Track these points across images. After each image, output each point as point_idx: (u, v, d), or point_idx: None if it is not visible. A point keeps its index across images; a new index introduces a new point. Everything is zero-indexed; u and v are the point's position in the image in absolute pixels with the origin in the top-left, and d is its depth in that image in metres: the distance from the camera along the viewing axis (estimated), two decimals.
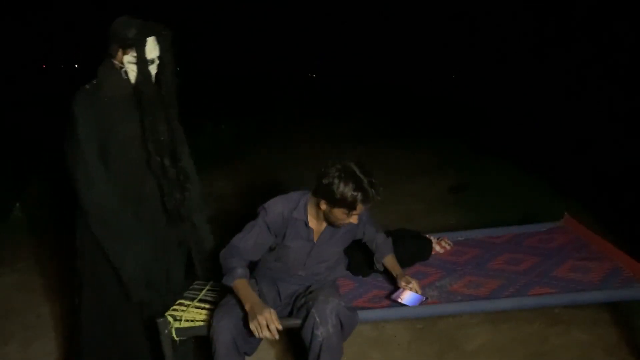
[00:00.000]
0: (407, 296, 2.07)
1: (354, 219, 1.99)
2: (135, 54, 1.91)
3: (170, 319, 2.02)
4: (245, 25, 18.98)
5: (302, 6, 18.40)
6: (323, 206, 1.98)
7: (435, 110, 10.68)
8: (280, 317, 2.08)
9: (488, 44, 12.86)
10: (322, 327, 1.82)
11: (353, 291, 2.28)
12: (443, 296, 2.16)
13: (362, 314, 1.98)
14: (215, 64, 18.74)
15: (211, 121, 8.96)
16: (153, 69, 1.97)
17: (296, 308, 2.05)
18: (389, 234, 2.61)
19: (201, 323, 2.02)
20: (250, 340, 1.95)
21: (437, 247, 2.64)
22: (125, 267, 1.98)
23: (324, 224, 2.10)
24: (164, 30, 1.97)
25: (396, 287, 2.17)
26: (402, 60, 17.50)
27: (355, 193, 1.90)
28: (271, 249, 2.13)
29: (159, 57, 1.97)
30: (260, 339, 2.02)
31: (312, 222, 2.08)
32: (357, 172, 1.92)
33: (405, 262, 2.48)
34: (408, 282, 2.12)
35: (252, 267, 2.18)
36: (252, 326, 1.80)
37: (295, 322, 1.98)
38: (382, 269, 2.31)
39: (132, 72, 1.95)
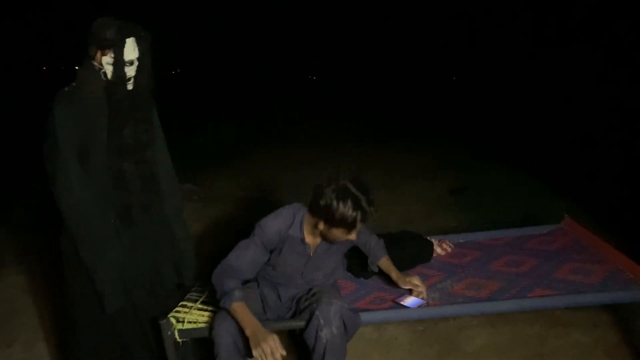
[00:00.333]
0: (409, 299, 2.11)
1: (352, 236, 1.96)
2: (113, 55, 1.89)
3: (172, 320, 2.04)
4: (246, 26, 18.99)
5: (302, 7, 18.41)
6: (321, 226, 1.95)
7: (436, 111, 10.69)
8: (283, 320, 2.11)
9: (488, 44, 12.86)
10: (327, 328, 1.83)
11: (355, 293, 2.30)
12: (444, 298, 2.17)
13: (364, 316, 2.00)
14: (215, 64, 18.74)
15: (212, 122, 8.97)
16: (132, 71, 1.94)
17: (299, 310, 2.06)
18: (390, 235, 2.63)
19: (203, 325, 2.03)
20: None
21: (438, 249, 2.66)
22: (98, 276, 1.94)
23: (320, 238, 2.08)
24: (143, 32, 1.94)
25: (399, 291, 2.18)
26: (402, 61, 17.50)
27: (355, 213, 1.87)
28: (267, 262, 2.11)
29: (138, 59, 1.95)
30: None
31: (309, 238, 2.05)
32: (354, 190, 1.88)
33: (406, 264, 2.49)
34: (413, 284, 2.14)
35: None
36: (255, 353, 1.79)
37: (298, 324, 1.99)
38: (376, 270, 2.31)
39: (110, 73, 1.92)
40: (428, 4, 15.97)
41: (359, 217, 1.87)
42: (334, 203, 1.86)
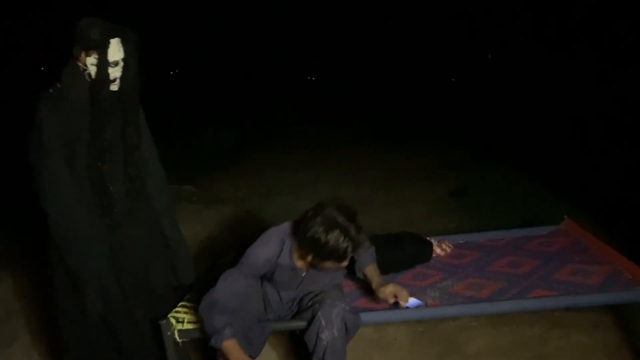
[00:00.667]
0: (409, 299, 2.09)
1: (344, 264, 1.90)
2: (97, 56, 1.87)
3: (173, 320, 2.04)
4: (245, 27, 18.98)
5: (301, 7, 18.41)
6: (310, 259, 1.88)
7: (436, 112, 10.69)
8: (284, 320, 2.10)
9: (488, 44, 12.87)
10: (328, 330, 1.83)
11: (355, 291, 2.30)
12: (444, 297, 2.18)
13: (364, 316, 2.00)
14: (215, 64, 18.74)
15: (211, 123, 8.97)
16: (117, 72, 1.92)
17: (300, 310, 2.05)
18: (390, 236, 2.63)
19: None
20: (254, 343, 1.96)
21: (437, 250, 2.66)
22: (81, 281, 1.93)
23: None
24: (129, 32, 1.93)
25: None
26: (402, 62, 17.50)
27: (345, 244, 1.80)
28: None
29: (123, 60, 1.92)
30: (264, 341, 2.03)
31: (299, 262, 1.97)
32: (341, 220, 1.80)
33: (406, 264, 2.51)
34: (391, 294, 2.00)
35: None
36: None
37: (299, 324, 2.00)
38: (362, 277, 2.19)
39: (95, 74, 1.90)
40: (428, 4, 15.97)
41: (349, 249, 1.81)
42: (323, 236, 1.78)
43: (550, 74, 8.99)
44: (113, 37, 1.87)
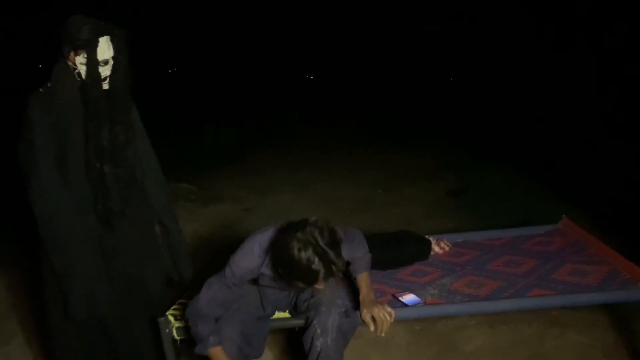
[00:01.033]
0: (408, 296, 2.13)
1: (319, 288, 1.80)
2: (86, 55, 1.84)
3: (171, 318, 2.04)
4: (245, 25, 18.97)
5: (301, 7, 18.40)
6: (283, 276, 1.78)
7: (435, 112, 10.69)
8: (283, 319, 2.10)
9: (488, 44, 12.85)
10: (322, 338, 1.82)
11: (354, 284, 2.28)
12: (443, 295, 2.18)
13: None
14: (215, 64, 18.74)
15: (211, 123, 8.97)
16: (107, 70, 1.89)
17: (299, 307, 2.03)
18: (388, 234, 2.63)
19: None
20: (253, 344, 1.95)
21: (436, 248, 2.66)
22: (66, 285, 1.92)
23: None
24: (118, 30, 1.90)
25: (398, 285, 2.17)
26: (401, 62, 17.49)
27: (317, 268, 1.67)
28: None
29: (113, 58, 1.89)
30: (264, 340, 2.03)
31: None
32: (320, 242, 1.67)
33: (404, 261, 2.52)
34: (369, 317, 1.88)
35: None
36: None
37: (296, 322, 2.00)
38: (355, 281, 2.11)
39: (85, 73, 1.87)
40: (428, 3, 15.96)
41: (321, 275, 1.68)
42: (295, 254, 1.66)
43: (550, 74, 8.98)
44: (102, 36, 1.84)
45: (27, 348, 2.75)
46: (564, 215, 2.89)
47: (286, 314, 2.12)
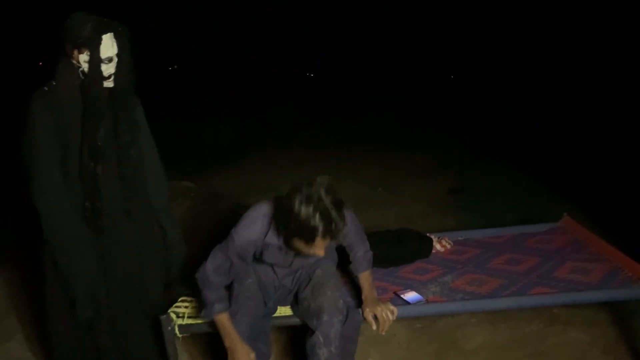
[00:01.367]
0: (410, 294, 2.14)
1: (317, 252, 1.75)
2: (89, 53, 1.81)
3: (173, 315, 2.04)
4: (245, 23, 18.97)
5: (301, 6, 18.41)
6: (282, 232, 1.80)
7: (435, 111, 10.69)
8: (284, 315, 2.10)
9: (487, 44, 12.86)
10: (325, 347, 1.82)
11: (353, 281, 2.28)
12: (445, 292, 2.19)
13: None
14: (215, 62, 18.74)
15: (211, 123, 8.96)
16: (112, 68, 1.86)
17: (300, 302, 2.02)
18: (389, 233, 2.64)
19: (203, 319, 2.03)
20: (260, 345, 1.95)
21: (437, 246, 2.67)
22: (70, 284, 1.92)
23: None
24: (120, 27, 1.87)
25: (400, 283, 2.17)
26: (401, 61, 17.50)
27: (315, 224, 1.64)
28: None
29: (117, 55, 1.86)
30: (269, 340, 2.03)
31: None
32: (325, 200, 1.65)
33: (405, 259, 2.52)
34: (371, 316, 1.93)
35: None
36: None
37: (296, 321, 2.00)
38: (356, 280, 2.14)
39: (87, 71, 1.85)
40: (428, 3, 15.96)
41: (319, 230, 1.65)
42: (296, 207, 1.65)
43: (550, 73, 8.99)
44: (105, 33, 1.82)
45: (27, 345, 2.75)
46: (565, 214, 2.89)
47: (288, 310, 2.12)
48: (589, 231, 2.65)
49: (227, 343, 1.86)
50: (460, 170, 5.92)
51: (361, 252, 2.12)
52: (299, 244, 1.74)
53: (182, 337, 2.06)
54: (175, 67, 19.56)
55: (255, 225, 1.88)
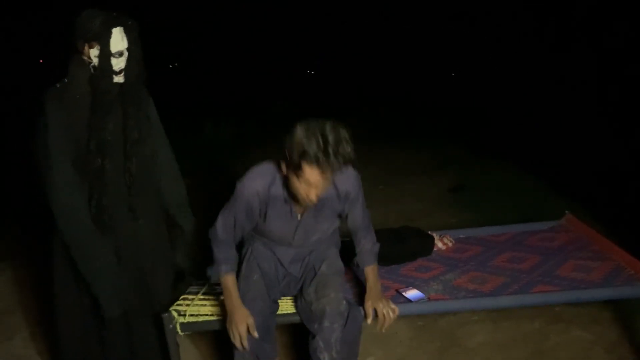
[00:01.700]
0: (412, 292, 2.13)
1: (310, 193, 1.72)
2: (100, 47, 1.81)
3: (174, 313, 2.03)
4: (245, 21, 18.98)
5: (301, 6, 18.41)
6: (284, 169, 1.76)
7: (436, 111, 10.69)
8: (287, 315, 2.07)
9: (488, 44, 12.86)
10: (327, 352, 1.81)
11: (357, 278, 2.28)
12: (447, 290, 2.18)
13: None
14: (215, 63, 18.74)
15: (212, 121, 8.95)
16: (122, 62, 1.86)
17: (304, 300, 1.99)
18: (391, 230, 2.63)
19: (205, 318, 2.03)
20: (266, 347, 1.92)
21: (439, 244, 2.66)
22: (94, 281, 1.90)
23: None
24: (130, 21, 1.87)
25: (402, 280, 2.17)
26: (402, 60, 17.50)
27: (306, 147, 1.62)
28: (255, 230, 2.04)
29: (127, 49, 1.86)
30: (274, 340, 2.02)
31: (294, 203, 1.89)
32: (326, 130, 1.64)
33: (407, 257, 2.52)
34: (372, 309, 1.90)
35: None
36: (227, 327, 1.85)
37: (297, 318, 2.00)
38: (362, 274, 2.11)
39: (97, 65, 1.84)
40: (428, 3, 15.98)
41: (310, 153, 1.61)
42: (297, 130, 1.65)
43: (550, 73, 8.99)
44: (114, 27, 1.82)
45: (30, 343, 2.75)
46: (567, 211, 2.88)
47: (290, 307, 2.10)
48: (591, 229, 2.65)
49: (227, 305, 1.88)
50: (461, 168, 5.92)
51: (369, 244, 2.10)
52: (293, 179, 1.72)
53: (186, 334, 2.05)
54: (176, 64, 19.54)
55: (260, 176, 1.89)
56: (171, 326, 2.01)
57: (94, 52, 1.83)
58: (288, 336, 2.59)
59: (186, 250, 2.25)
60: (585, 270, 2.23)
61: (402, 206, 4.68)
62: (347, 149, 1.67)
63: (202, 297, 2.18)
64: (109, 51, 1.82)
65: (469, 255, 2.57)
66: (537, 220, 2.96)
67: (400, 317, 1.95)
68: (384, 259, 2.40)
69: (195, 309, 2.08)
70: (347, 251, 2.21)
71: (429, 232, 2.70)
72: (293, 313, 2.05)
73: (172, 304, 2.14)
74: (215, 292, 2.19)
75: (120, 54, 1.85)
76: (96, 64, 1.84)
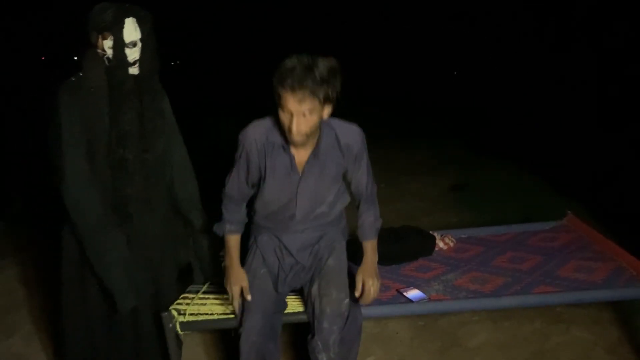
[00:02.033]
0: (412, 292, 2.13)
1: (293, 124, 1.70)
2: (113, 37, 1.80)
3: (174, 312, 2.02)
4: (246, 20, 18.99)
5: (301, 6, 18.43)
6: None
7: (437, 111, 10.69)
8: (292, 312, 2.06)
9: (488, 44, 12.87)
10: (325, 353, 1.81)
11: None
12: (448, 290, 2.17)
13: (365, 310, 1.98)
14: (215, 61, 18.74)
15: (212, 121, 8.95)
16: (136, 53, 1.85)
17: (309, 295, 1.96)
18: (392, 230, 2.63)
19: (205, 317, 2.02)
20: (272, 346, 1.91)
21: (440, 244, 2.66)
22: (107, 276, 1.89)
23: (308, 152, 1.88)
24: (143, 12, 1.86)
25: (403, 280, 2.16)
26: (403, 60, 17.52)
27: (290, 63, 1.64)
28: (255, 199, 2.02)
29: (141, 40, 1.85)
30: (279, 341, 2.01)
31: (293, 149, 1.86)
32: (304, 56, 1.65)
33: (408, 256, 2.51)
34: (360, 284, 1.90)
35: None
36: (225, 286, 1.93)
37: (300, 318, 1.99)
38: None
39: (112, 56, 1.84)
40: (428, 3, 15.99)
41: (283, 74, 1.63)
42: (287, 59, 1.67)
43: (550, 73, 9.00)
44: (127, 17, 1.81)
45: (31, 341, 2.73)
46: (569, 212, 2.87)
47: (299, 306, 2.08)
48: (592, 229, 2.64)
49: (227, 262, 1.94)
50: (462, 168, 5.92)
51: (371, 218, 2.07)
52: (279, 112, 1.73)
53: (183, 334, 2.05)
54: (178, 62, 19.54)
55: (259, 124, 1.90)
56: (171, 325, 2.00)
57: (107, 44, 1.82)
58: (288, 335, 2.59)
59: (195, 248, 2.24)
60: (587, 270, 2.22)
61: (403, 205, 4.67)
62: (324, 72, 1.65)
63: (202, 296, 2.17)
64: (123, 41, 1.81)
65: (470, 255, 2.56)
66: (539, 220, 2.95)
67: (402, 316, 1.95)
68: (385, 259, 2.39)
69: (195, 308, 2.07)
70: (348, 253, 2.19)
71: (430, 232, 2.70)
72: (300, 312, 2.03)
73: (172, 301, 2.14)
74: (216, 289, 2.18)
75: (134, 44, 1.84)
76: (110, 55, 1.83)
